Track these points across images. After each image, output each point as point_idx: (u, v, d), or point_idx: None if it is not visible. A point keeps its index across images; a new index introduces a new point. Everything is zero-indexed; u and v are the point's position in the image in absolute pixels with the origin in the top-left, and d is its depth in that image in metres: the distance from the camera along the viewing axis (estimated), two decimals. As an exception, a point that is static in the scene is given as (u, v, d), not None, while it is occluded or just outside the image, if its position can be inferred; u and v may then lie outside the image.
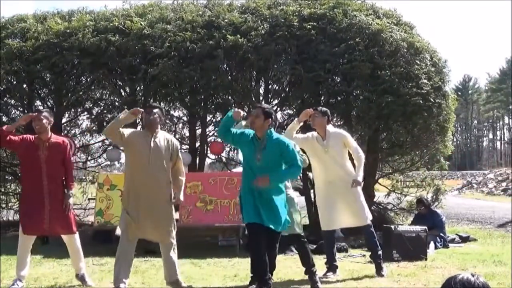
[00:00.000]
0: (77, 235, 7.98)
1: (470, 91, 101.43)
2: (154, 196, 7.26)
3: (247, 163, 7.05)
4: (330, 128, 8.65)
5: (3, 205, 16.08)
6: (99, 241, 12.01)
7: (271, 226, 6.73)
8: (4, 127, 7.76)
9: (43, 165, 7.69)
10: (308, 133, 8.82)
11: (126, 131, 7.35)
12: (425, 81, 13.06)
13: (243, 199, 6.97)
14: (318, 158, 8.58)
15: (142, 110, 7.51)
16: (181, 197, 7.58)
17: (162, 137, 7.51)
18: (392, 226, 10.75)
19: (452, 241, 12.77)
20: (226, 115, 7.11)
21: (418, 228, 10.56)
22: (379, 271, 8.61)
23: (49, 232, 7.97)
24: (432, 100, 13.03)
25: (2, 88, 14.54)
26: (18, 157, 8.28)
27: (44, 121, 7.80)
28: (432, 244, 11.43)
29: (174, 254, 7.45)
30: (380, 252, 8.77)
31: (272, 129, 7.04)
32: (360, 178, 8.52)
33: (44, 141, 7.77)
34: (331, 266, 8.70)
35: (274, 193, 6.84)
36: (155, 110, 7.49)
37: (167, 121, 16.11)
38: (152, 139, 7.34)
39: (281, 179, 6.96)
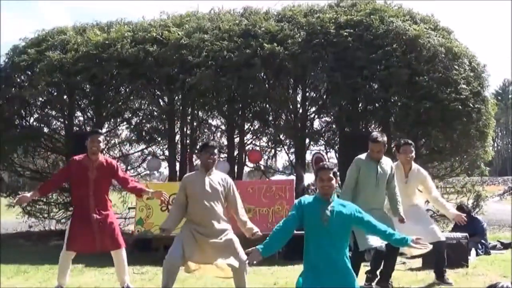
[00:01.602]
0: (123, 249, 8.12)
1: (510, 96, 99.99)
2: (210, 229, 7.37)
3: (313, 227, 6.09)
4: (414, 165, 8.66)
5: (45, 215, 16.27)
6: (140, 249, 12.07)
7: None
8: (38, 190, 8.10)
9: (91, 185, 7.89)
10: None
11: (183, 185, 7.52)
12: (464, 86, 12.94)
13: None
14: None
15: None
16: (254, 228, 7.60)
17: (217, 176, 7.59)
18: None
19: (494, 247, 12.56)
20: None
21: (459, 235, 10.42)
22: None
23: (98, 249, 8.06)
24: (471, 105, 12.91)
25: (43, 100, 14.78)
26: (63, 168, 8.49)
27: (101, 143, 8.11)
28: (473, 251, 11.27)
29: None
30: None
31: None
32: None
33: (93, 162, 7.98)
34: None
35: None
36: (215, 151, 7.61)
37: (205, 130, 16.20)
38: (207, 177, 7.45)
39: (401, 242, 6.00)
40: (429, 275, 9.02)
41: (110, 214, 8.03)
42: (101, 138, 8.15)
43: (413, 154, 8.54)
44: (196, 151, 14.61)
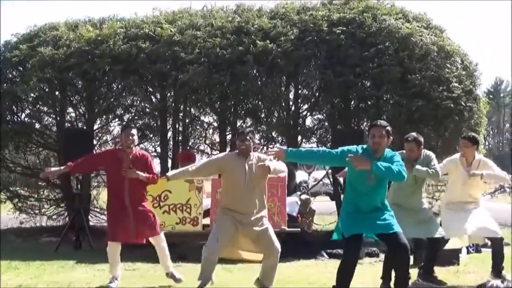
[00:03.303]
0: (162, 235, 8.41)
1: (502, 94, 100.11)
2: (249, 216, 7.45)
3: (356, 181, 6.67)
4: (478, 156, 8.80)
5: (37, 211, 16.25)
6: (131, 246, 12.02)
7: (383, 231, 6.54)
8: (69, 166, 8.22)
9: (126, 178, 8.10)
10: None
11: (218, 162, 7.74)
12: (456, 84, 12.97)
13: (347, 214, 6.70)
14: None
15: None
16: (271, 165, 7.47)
17: (255, 159, 7.64)
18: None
19: (485, 245, 12.55)
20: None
21: (450, 232, 10.45)
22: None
23: (136, 238, 8.30)
24: (463, 103, 12.94)
25: (34, 96, 14.73)
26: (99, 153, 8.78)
27: (135, 137, 8.35)
28: (464, 249, 11.31)
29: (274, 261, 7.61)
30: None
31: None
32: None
33: (128, 154, 8.21)
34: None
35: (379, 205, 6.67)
36: (248, 137, 7.65)
37: (198, 127, 16.19)
38: (247, 163, 7.53)
39: (382, 170, 6.29)
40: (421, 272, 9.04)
41: (145, 204, 8.38)
42: (134, 131, 8.40)
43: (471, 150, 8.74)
44: (185, 148, 14.66)
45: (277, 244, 7.50)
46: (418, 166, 7.99)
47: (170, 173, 7.89)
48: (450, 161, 9.00)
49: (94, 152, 8.73)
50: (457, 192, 8.80)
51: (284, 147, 6.68)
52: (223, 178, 7.72)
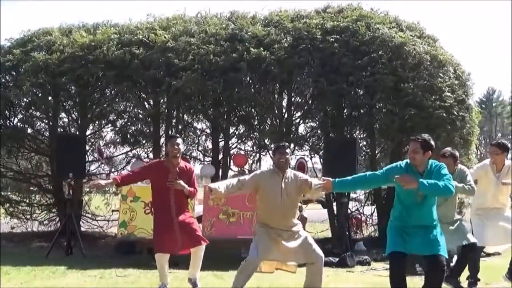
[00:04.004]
0: (203, 247, 8.28)
1: (494, 104, 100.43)
2: (287, 230, 7.39)
3: (405, 195, 6.49)
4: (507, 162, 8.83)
5: (28, 216, 16.20)
6: (122, 252, 12.05)
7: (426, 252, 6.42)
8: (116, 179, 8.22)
9: (172, 188, 8.09)
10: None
11: (257, 179, 7.48)
12: (449, 94, 13.01)
13: (395, 229, 6.56)
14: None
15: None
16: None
17: (291, 175, 7.55)
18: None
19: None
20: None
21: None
22: None
23: (180, 250, 8.23)
24: (455, 113, 12.97)
25: (27, 101, 14.71)
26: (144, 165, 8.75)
27: (180, 146, 8.32)
28: (455, 258, 11.31)
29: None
30: None
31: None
32: None
33: (175, 165, 8.19)
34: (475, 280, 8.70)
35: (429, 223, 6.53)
36: (288, 151, 7.57)
37: (191, 133, 16.18)
38: (283, 180, 7.41)
39: (429, 188, 6.15)
40: (412, 280, 9.02)
41: (189, 214, 8.37)
42: (179, 141, 8.37)
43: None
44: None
45: (319, 251, 7.41)
46: (454, 182, 7.94)
47: (213, 185, 7.51)
48: (480, 167, 9.04)
49: (143, 165, 8.64)
50: (487, 199, 8.85)
51: (331, 178, 6.55)
52: (259, 195, 7.50)
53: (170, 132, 14.86)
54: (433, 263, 6.38)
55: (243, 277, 7.28)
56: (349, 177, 6.67)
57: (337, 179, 6.63)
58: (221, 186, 7.35)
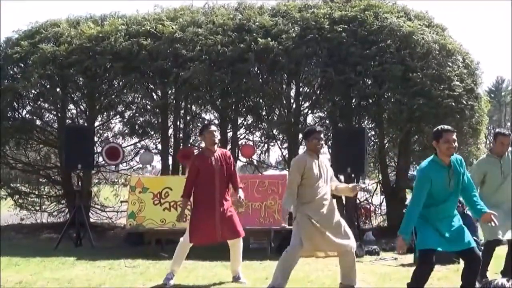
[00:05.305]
0: (241, 239, 8.31)
1: (503, 93, 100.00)
2: (324, 215, 7.38)
3: (436, 191, 6.32)
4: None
5: (37, 208, 16.27)
6: (131, 243, 12.08)
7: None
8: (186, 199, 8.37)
9: (216, 174, 8.14)
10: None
11: (301, 167, 7.41)
12: (457, 83, 12.95)
13: (424, 224, 6.43)
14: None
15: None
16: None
17: (323, 159, 7.68)
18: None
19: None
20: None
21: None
22: None
23: (218, 240, 8.22)
24: (464, 102, 12.91)
25: (36, 92, 14.74)
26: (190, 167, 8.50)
27: (217, 133, 8.45)
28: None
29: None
30: None
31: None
32: None
33: (213, 152, 8.25)
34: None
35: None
36: (322, 136, 7.60)
37: (199, 124, 16.18)
38: (318, 161, 7.48)
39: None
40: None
41: (230, 204, 8.31)
42: (214, 127, 8.44)
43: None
44: (186, 145, 14.66)
45: (353, 238, 7.46)
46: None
47: (287, 207, 7.95)
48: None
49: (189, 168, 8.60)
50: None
51: (400, 236, 6.25)
52: (303, 180, 7.41)
53: (178, 123, 14.90)
54: (471, 256, 6.42)
55: (285, 273, 7.34)
56: (407, 217, 6.37)
57: (401, 232, 6.25)
58: (288, 203, 7.62)
